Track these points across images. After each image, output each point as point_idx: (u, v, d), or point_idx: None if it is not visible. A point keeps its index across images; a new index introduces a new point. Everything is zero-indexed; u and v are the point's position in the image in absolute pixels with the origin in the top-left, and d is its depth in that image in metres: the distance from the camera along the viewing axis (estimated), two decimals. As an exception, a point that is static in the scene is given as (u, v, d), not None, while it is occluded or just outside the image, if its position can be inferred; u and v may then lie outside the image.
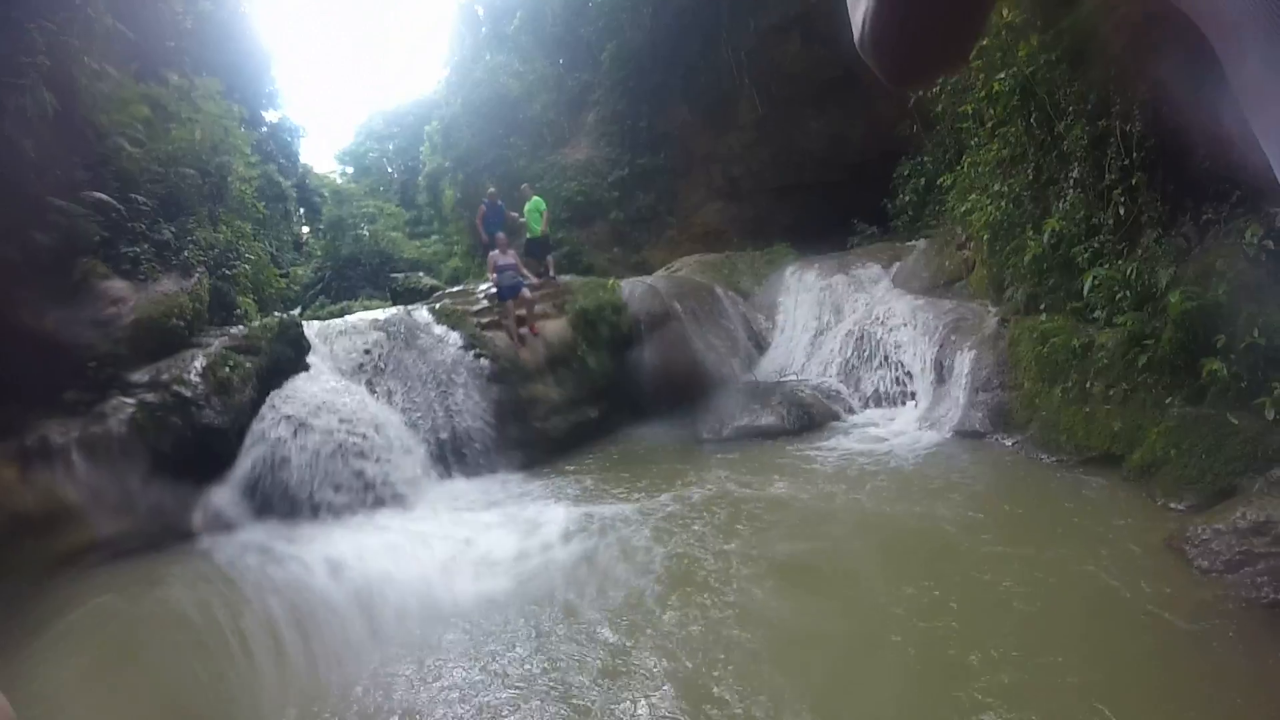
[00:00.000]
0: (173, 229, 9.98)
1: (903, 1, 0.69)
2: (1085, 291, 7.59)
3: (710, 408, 11.20)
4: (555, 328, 12.08)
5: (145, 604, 6.06)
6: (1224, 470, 5.58)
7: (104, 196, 8.94)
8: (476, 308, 12.33)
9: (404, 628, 5.49)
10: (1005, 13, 8.52)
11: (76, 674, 5.09)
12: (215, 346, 9.20)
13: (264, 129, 23.50)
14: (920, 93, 13.40)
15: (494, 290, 12.27)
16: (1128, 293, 7.03)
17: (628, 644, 4.85)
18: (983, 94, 9.61)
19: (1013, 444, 8.18)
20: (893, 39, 0.71)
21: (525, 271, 12.36)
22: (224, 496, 8.08)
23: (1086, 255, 7.78)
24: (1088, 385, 7.41)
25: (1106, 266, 7.38)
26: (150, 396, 8.16)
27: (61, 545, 6.88)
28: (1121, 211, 7.32)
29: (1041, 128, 8.54)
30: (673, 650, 4.68)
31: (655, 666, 4.52)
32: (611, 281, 13.75)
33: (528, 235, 14.66)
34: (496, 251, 12.15)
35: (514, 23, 23.95)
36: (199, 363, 8.76)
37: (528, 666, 4.74)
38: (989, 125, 9.79)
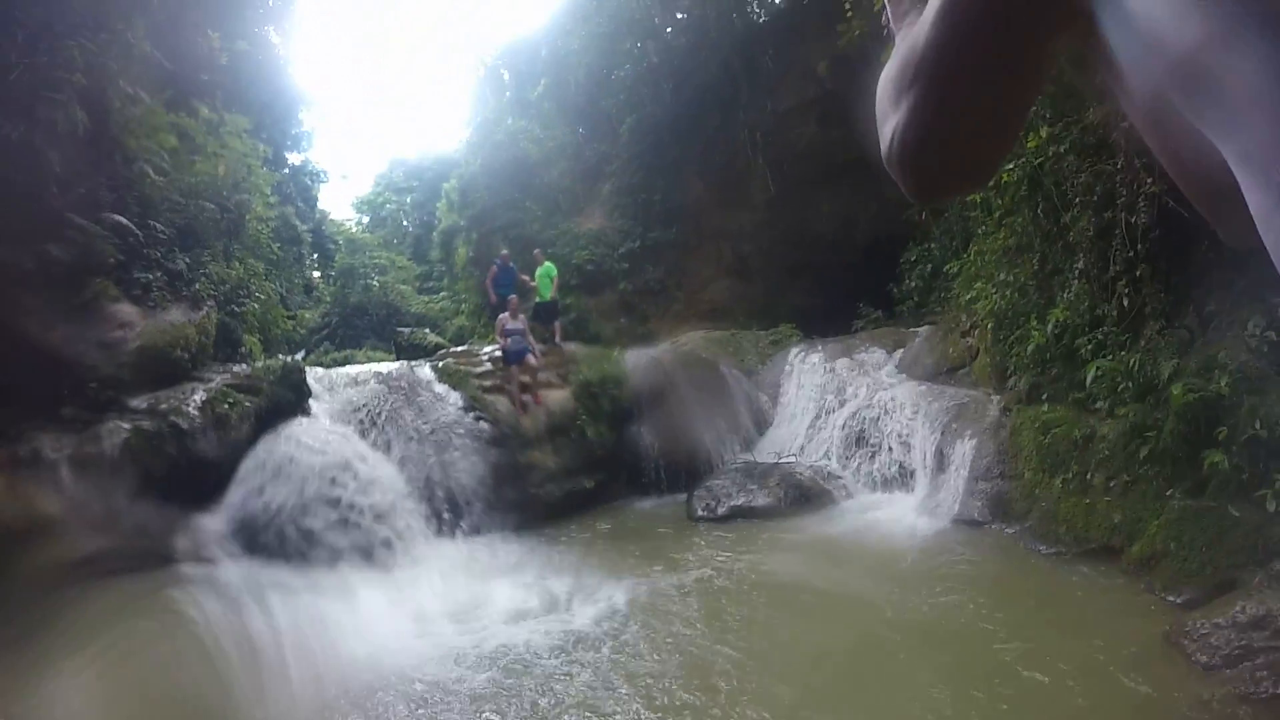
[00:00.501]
0: (187, 260, 10.08)
1: (935, 119, 0.69)
2: (1088, 382, 7.59)
3: (707, 485, 11.12)
4: (558, 397, 12.12)
5: (120, 624, 5.95)
6: (1224, 563, 5.50)
7: (123, 220, 9.05)
8: (480, 369, 12.36)
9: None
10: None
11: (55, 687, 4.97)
12: (217, 383, 9.23)
13: (286, 170, 23.86)
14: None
15: (500, 353, 12.32)
16: (1130, 384, 7.03)
17: None
18: (991, 183, 9.77)
19: (1011, 534, 8.08)
20: (923, 155, 0.71)
21: (532, 339, 12.39)
22: (210, 525, 7.99)
23: (1090, 346, 7.81)
24: (1088, 476, 7.37)
25: (1109, 357, 7.40)
26: (147, 423, 8.16)
27: (42, 558, 6.76)
28: (1125, 303, 7.38)
29: (1048, 218, 8.66)
30: None
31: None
32: (615, 353, 13.81)
33: (537, 300, 14.77)
34: (506, 315, 12.21)
35: (538, 89, 24.49)
36: (199, 396, 8.78)
37: None
38: (996, 214, 9.93)
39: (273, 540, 8.18)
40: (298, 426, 9.45)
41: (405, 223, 39.24)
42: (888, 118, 0.73)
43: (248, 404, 9.12)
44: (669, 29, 21.95)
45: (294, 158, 25.70)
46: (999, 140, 0.70)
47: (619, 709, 4.78)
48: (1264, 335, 5.80)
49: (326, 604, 6.78)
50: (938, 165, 0.72)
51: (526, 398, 11.66)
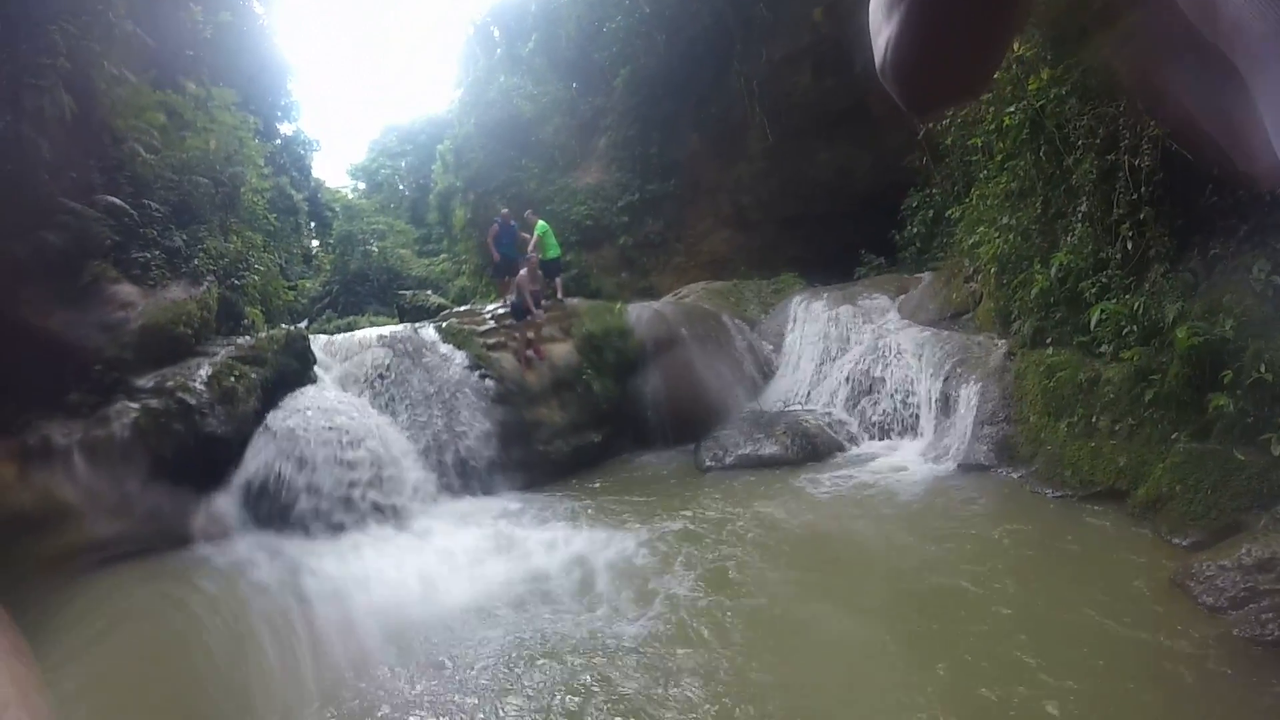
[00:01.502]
0: (184, 237, 10.04)
1: (926, 30, 0.69)
2: (1092, 326, 7.57)
3: (714, 435, 11.17)
4: (561, 351, 12.10)
5: (143, 606, 6.05)
6: (1229, 506, 5.54)
7: (117, 201, 9.00)
8: (483, 328, 12.36)
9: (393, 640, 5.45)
10: (1016, 46, 8.58)
11: (84, 674, 5.06)
12: (221, 356, 9.22)
13: (278, 141, 23.67)
14: (930, 125, 13.48)
15: (506, 309, 12.35)
16: (1135, 327, 7.01)
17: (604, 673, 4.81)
18: (992, 127, 9.66)
19: (1017, 478, 8.11)
20: (914, 66, 0.72)
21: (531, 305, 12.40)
22: (224, 503, 8.06)
23: (1094, 289, 7.77)
24: (1093, 419, 7.38)
25: (1114, 301, 7.37)
26: (154, 402, 8.17)
27: (57, 545, 6.86)
28: (1129, 246, 7.33)
29: (1050, 161, 8.57)
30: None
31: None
32: (619, 306, 13.77)
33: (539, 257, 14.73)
34: (525, 273, 12.16)
35: (529, 45, 24.16)
36: (204, 371, 8.77)
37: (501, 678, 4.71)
38: (998, 158, 9.84)
39: (285, 512, 8.26)
40: (305, 396, 9.47)
41: (401, 187, 39.04)
42: (880, 30, 0.74)
43: (254, 375, 9.13)
44: (660, -23, 21.55)
45: (285, 128, 25.48)
46: (990, 50, 0.72)
47: (623, 662, 4.84)
48: (1269, 279, 5.77)
49: (338, 571, 6.88)
50: (929, 76, 0.73)
51: (530, 353, 11.70)
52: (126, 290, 8.97)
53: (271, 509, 8.24)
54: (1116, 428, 7.06)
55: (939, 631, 4.94)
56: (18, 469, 7.09)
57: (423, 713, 4.50)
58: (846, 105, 18.28)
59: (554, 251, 14.69)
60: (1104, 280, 7.69)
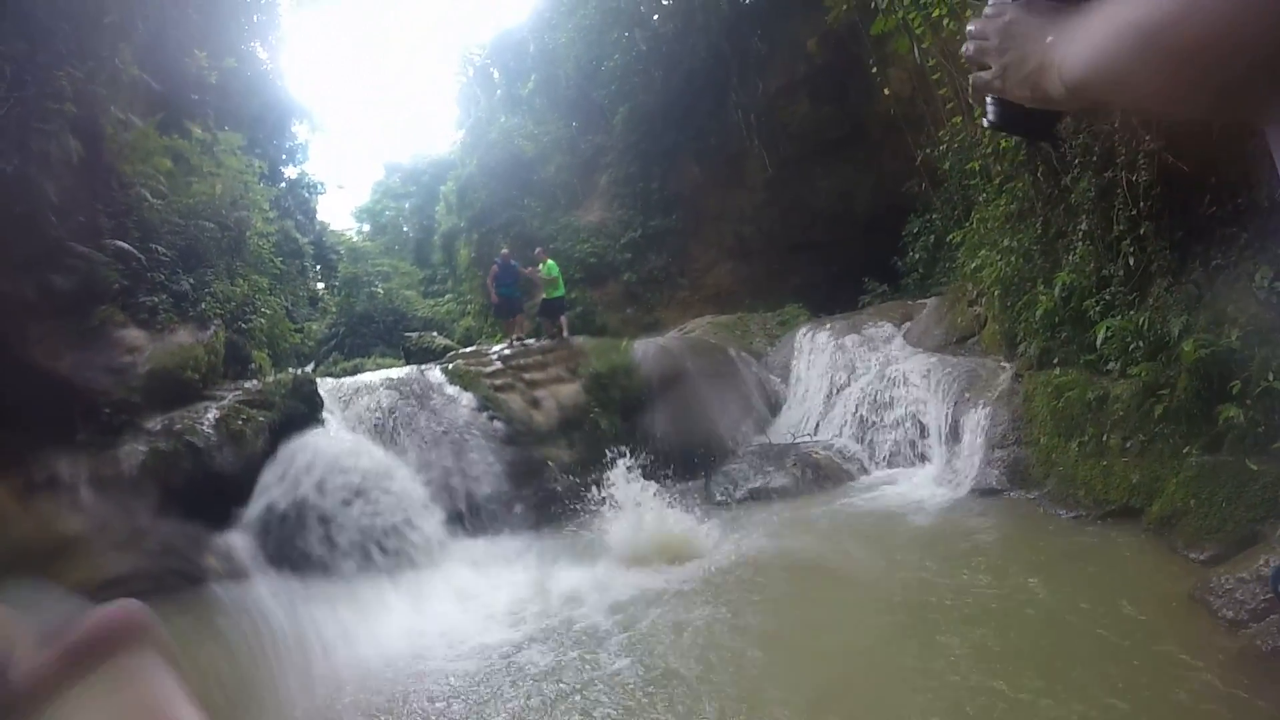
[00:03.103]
0: (191, 281, 10.13)
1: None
2: (1098, 344, 7.55)
3: (723, 470, 11.11)
4: (569, 391, 12.11)
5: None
6: (1245, 517, 5.47)
7: (125, 245, 9.09)
8: (490, 369, 12.37)
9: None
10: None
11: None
12: (229, 400, 9.26)
13: (283, 184, 23.91)
14: (927, 150, 13.60)
15: (512, 350, 12.94)
16: (1141, 343, 6.99)
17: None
18: (989, 150, 9.73)
19: (1031, 500, 8.04)
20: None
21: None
22: (237, 541, 8.02)
23: (1098, 307, 7.76)
24: (1104, 438, 7.33)
25: (1119, 317, 7.36)
26: (163, 444, 8.21)
27: (67, 579, 6.81)
28: (1131, 262, 7.32)
29: (1048, 181, 8.61)
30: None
31: None
32: (624, 343, 13.80)
33: (544, 296, 14.80)
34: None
35: (528, 85, 24.51)
36: (212, 415, 8.82)
37: None
38: (996, 181, 9.89)
39: (296, 552, 8.22)
40: (313, 438, 9.45)
41: (405, 228, 39.36)
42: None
43: (261, 419, 9.15)
44: (655, 16, 21.90)
45: (290, 171, 25.75)
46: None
47: (640, 696, 4.79)
48: (1272, 286, 5.75)
49: (352, 614, 6.82)
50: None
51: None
52: (134, 334, 9.04)
53: (281, 548, 8.19)
54: (1127, 445, 7.01)
55: (959, 654, 4.86)
56: (21, 502, 7.07)
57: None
58: (844, 132, 18.51)
59: (559, 290, 14.76)
60: (1108, 297, 7.68)
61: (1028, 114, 0.98)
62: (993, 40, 0.94)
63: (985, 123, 1.06)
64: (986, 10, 0.97)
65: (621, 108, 22.05)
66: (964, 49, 1.00)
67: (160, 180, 10.01)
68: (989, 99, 1.02)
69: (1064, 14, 0.85)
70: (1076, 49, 0.79)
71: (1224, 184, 6.31)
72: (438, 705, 5.05)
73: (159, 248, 9.74)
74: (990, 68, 0.96)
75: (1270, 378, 5.54)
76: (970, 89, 1.05)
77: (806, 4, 17.79)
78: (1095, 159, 7.57)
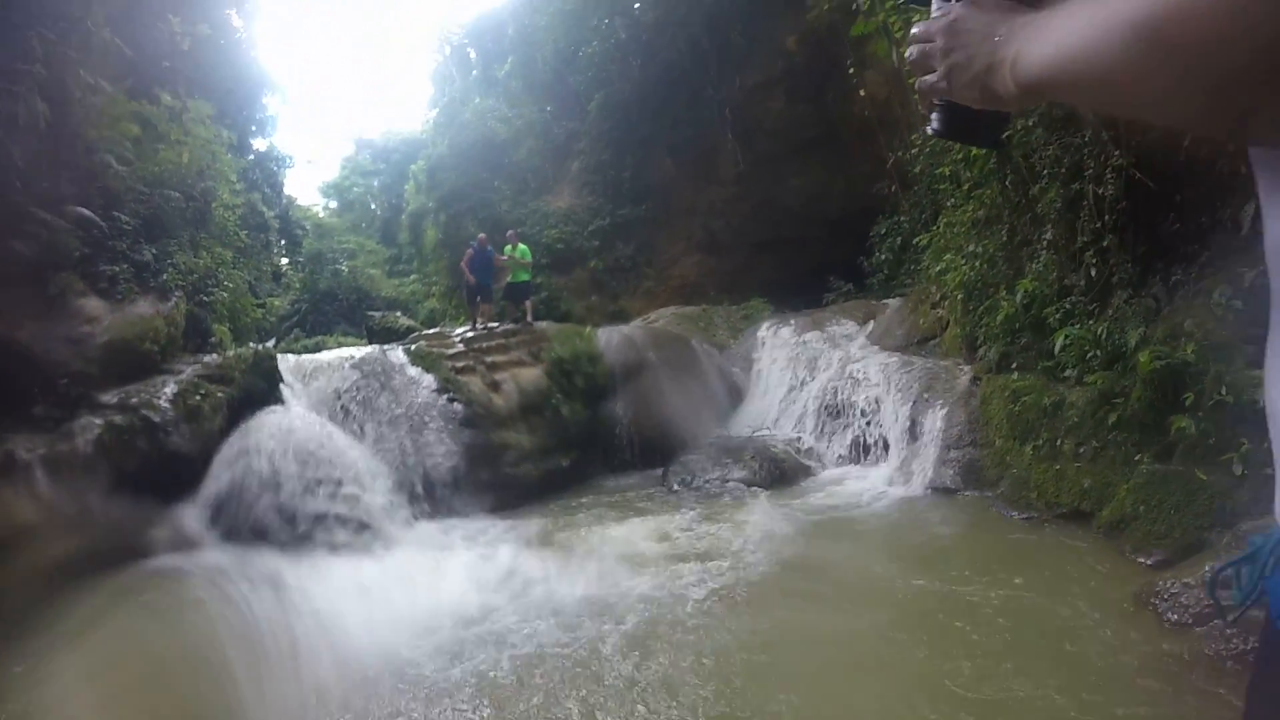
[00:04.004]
0: (153, 251, 9.94)
1: None
2: (1056, 350, 7.71)
3: (682, 460, 11.15)
4: (530, 375, 12.05)
5: (115, 623, 5.93)
6: (1192, 525, 5.65)
7: (87, 212, 8.89)
8: (452, 351, 12.30)
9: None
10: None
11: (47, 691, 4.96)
12: (187, 374, 9.11)
13: (251, 156, 23.49)
14: (899, 153, 13.73)
15: (475, 333, 12.95)
16: (1098, 352, 7.16)
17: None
18: (960, 156, 9.86)
19: (984, 500, 8.19)
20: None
21: None
22: (188, 517, 7.93)
23: (1058, 315, 7.92)
24: (1058, 443, 7.50)
25: (1078, 326, 7.52)
26: (118, 418, 8.03)
27: (18, 565, 6.69)
28: (1093, 273, 7.49)
29: (1016, 190, 8.76)
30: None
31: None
32: (588, 330, 13.79)
33: (510, 279, 14.75)
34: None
35: (505, 67, 24.36)
36: (170, 389, 8.66)
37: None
38: (965, 186, 10.03)
39: (249, 527, 8.13)
40: (271, 415, 9.34)
41: (373, 206, 38.93)
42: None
43: (220, 394, 9.02)
44: (637, 4, 21.85)
45: (259, 143, 25.31)
46: None
47: (593, 687, 4.83)
48: (1229, 303, 5.92)
49: (301, 587, 6.78)
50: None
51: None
52: (93, 304, 8.86)
53: (234, 523, 8.11)
54: (1081, 450, 7.19)
55: (903, 649, 4.97)
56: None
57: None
58: (818, 132, 18.62)
59: (525, 275, 14.72)
60: (1068, 306, 7.85)
61: (974, 120, 0.97)
62: (938, 41, 0.92)
63: (930, 130, 1.04)
64: (933, 12, 0.94)
65: (597, 94, 21.99)
66: (908, 52, 0.98)
67: (127, 147, 9.79)
68: (935, 105, 1.00)
69: (1014, 12, 0.83)
70: (1036, 47, 0.77)
71: (1189, 202, 6.47)
72: (390, 686, 5.04)
73: (122, 216, 9.54)
74: (935, 70, 0.93)
75: (1223, 391, 5.71)
76: (916, 95, 1.03)
77: (788, 2, 17.88)
78: (1064, 170, 7.72)
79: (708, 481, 10.44)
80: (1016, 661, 4.64)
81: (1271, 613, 0.83)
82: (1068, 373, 7.73)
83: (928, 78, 0.95)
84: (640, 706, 4.50)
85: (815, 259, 18.39)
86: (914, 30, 0.97)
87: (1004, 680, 4.43)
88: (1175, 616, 4.79)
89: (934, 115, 1.01)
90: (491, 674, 5.08)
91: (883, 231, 16.93)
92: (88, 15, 8.52)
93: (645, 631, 5.57)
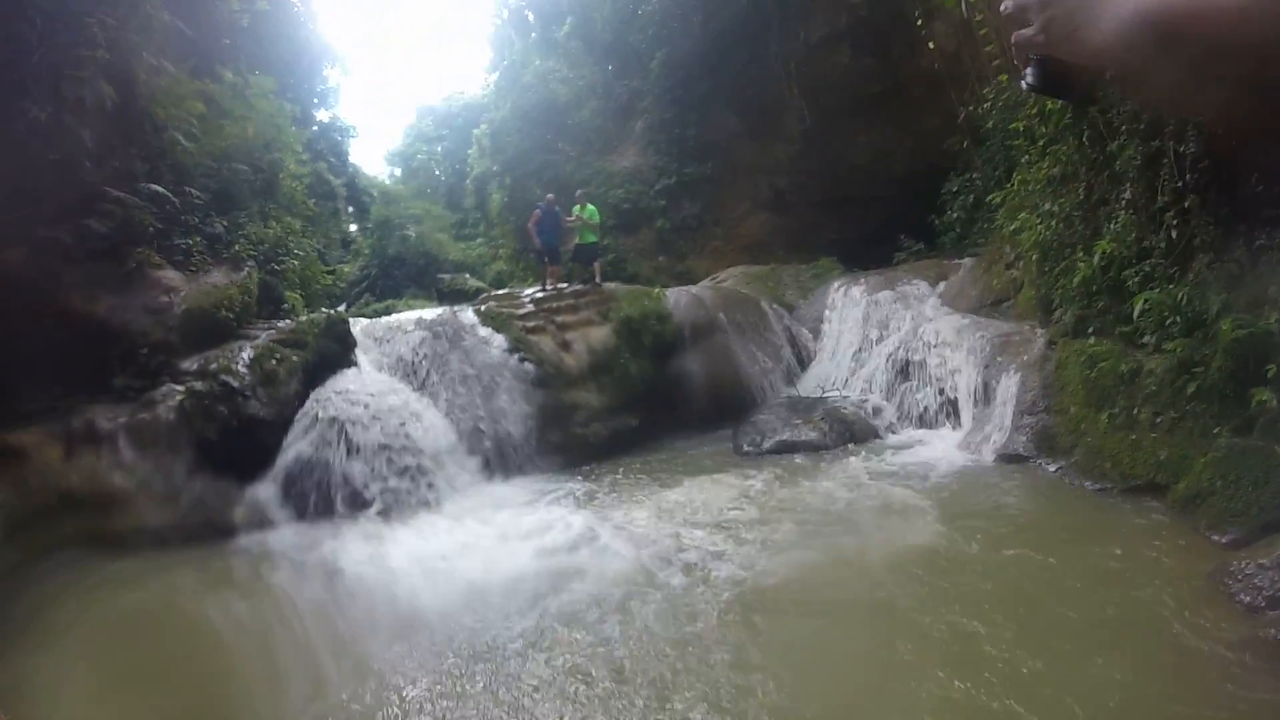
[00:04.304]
0: (224, 223, 10.24)
1: None
2: (1135, 316, 7.41)
3: (751, 420, 11.15)
4: (599, 335, 12.11)
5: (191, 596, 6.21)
6: (1270, 504, 5.41)
7: (159, 189, 9.20)
8: (522, 311, 12.40)
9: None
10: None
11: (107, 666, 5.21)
12: (263, 339, 9.38)
13: (315, 128, 23.85)
14: (971, 107, 13.27)
15: (546, 293, 13.20)
16: (1178, 318, 6.86)
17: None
18: (1034, 111, 9.48)
19: (1056, 469, 7.99)
20: None
21: None
22: (265, 493, 8.19)
23: (1137, 278, 7.60)
24: (1135, 412, 7.24)
25: (1157, 290, 7.21)
26: (198, 385, 8.35)
27: (105, 528, 7.05)
28: (1174, 235, 7.15)
29: (1094, 147, 8.38)
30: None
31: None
32: (657, 291, 13.76)
33: (577, 242, 14.76)
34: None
35: (564, 28, 24.14)
36: (246, 354, 8.94)
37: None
38: (1040, 143, 9.64)
39: (326, 499, 8.39)
40: (345, 378, 9.54)
41: (437, 172, 39.25)
42: None
43: (294, 358, 9.25)
44: (697, -43, 21.37)
45: (322, 115, 25.69)
46: None
47: (658, 645, 4.87)
48: (1315, 271, 5.63)
49: (373, 555, 6.99)
50: None
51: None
52: (170, 276, 9.18)
53: (313, 496, 8.36)
54: (1158, 420, 6.93)
55: (970, 624, 4.90)
56: (64, 452, 7.29)
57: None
58: (885, 87, 18.08)
59: (592, 236, 14.69)
60: (1147, 269, 7.52)
61: (1070, 75, 0.94)
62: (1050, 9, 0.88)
63: (1024, 85, 1.01)
64: None
65: (658, 53, 21.68)
66: (1004, 4, 0.94)
67: (193, 124, 10.07)
68: (1030, 59, 0.96)
69: None
70: (1123, 13, 0.74)
71: (1276, 162, 6.12)
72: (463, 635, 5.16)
73: (193, 190, 9.84)
74: (1032, 23, 0.90)
75: (1308, 363, 5.44)
76: (1012, 48, 0.99)
77: (853, -49, 17.33)
78: (1143, 127, 7.35)
79: (777, 442, 10.41)
80: (1083, 640, 4.54)
81: None
82: (1146, 339, 7.43)
83: (1025, 31, 0.92)
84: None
85: (884, 217, 17.96)
86: None
87: (1071, 658, 4.34)
88: (1248, 599, 4.62)
89: (1029, 69, 0.98)
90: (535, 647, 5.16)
91: (954, 189, 16.45)
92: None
93: (695, 599, 5.61)
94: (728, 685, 4.38)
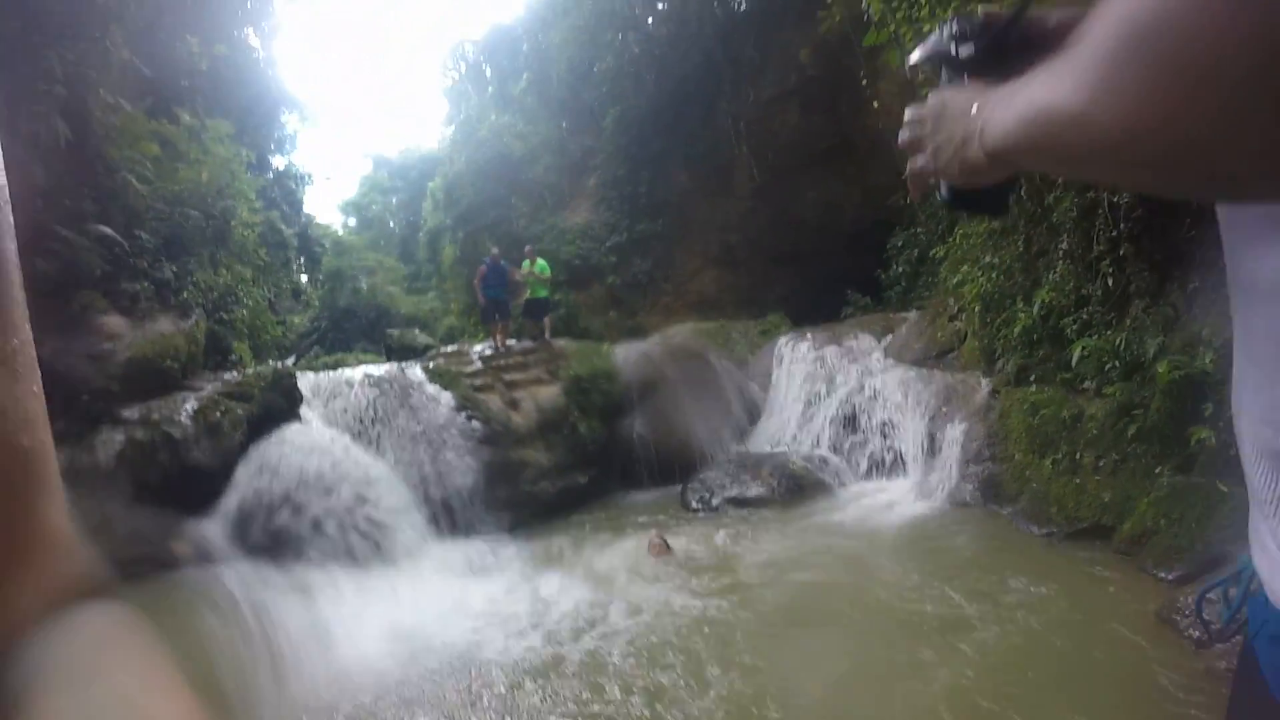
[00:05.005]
0: (174, 269, 10.08)
1: None
2: (1074, 362, 7.63)
3: (700, 477, 11.11)
4: (548, 393, 12.10)
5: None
6: (1214, 539, 5.54)
7: (108, 231, 9.04)
8: (470, 368, 12.35)
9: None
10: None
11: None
12: (208, 391, 9.22)
13: (270, 174, 23.67)
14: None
15: (493, 352, 13.18)
16: (1117, 363, 7.08)
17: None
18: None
19: (1004, 515, 8.09)
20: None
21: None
22: (209, 529, 7.98)
23: (1075, 326, 7.85)
24: (1078, 456, 7.41)
25: (1095, 337, 7.45)
26: (140, 433, 8.16)
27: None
28: (1110, 282, 7.41)
29: (1032, 200, 8.69)
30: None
31: None
32: (606, 347, 13.82)
33: (528, 296, 14.70)
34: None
35: (520, 84, 24.46)
36: (190, 405, 8.77)
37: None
38: (981, 198, 9.95)
39: (269, 542, 8.17)
40: (291, 432, 9.41)
41: (391, 223, 39.20)
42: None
43: (240, 411, 9.10)
44: (650, 19, 21.91)
45: (278, 161, 25.48)
46: None
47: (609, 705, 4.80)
48: (1247, 312, 5.83)
49: (318, 606, 6.80)
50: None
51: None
52: (114, 321, 8.99)
53: (254, 538, 8.15)
54: (1100, 463, 7.10)
55: (921, 667, 4.90)
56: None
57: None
58: (833, 144, 18.58)
59: (543, 291, 14.69)
60: (1085, 316, 7.77)
61: (978, 191, 0.97)
62: (928, 124, 0.93)
63: (940, 199, 1.05)
64: (928, 99, 0.95)
65: (612, 110, 22.06)
66: (900, 136, 0.99)
67: (147, 166, 9.95)
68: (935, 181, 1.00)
69: (993, 86, 0.80)
70: (1001, 109, 0.75)
71: (1206, 208, 6.38)
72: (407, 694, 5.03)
73: (143, 234, 9.68)
74: (924, 151, 0.94)
75: (1242, 401, 5.61)
76: (909, 178, 1.01)
77: (800, 14, 17.86)
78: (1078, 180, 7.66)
79: (726, 498, 10.39)
80: (1032, 676, 4.58)
81: (1249, 633, 0.81)
82: (1086, 384, 7.65)
83: (916, 160, 0.96)
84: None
85: (833, 272, 18.30)
86: (906, 114, 0.98)
87: (1023, 698, 4.36)
88: (1196, 633, 4.68)
89: (942, 186, 1.01)
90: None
91: (900, 244, 16.86)
92: (106, 35, 8.68)
93: (643, 648, 5.54)
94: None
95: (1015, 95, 0.71)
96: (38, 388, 0.48)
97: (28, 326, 0.47)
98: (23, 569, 0.49)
